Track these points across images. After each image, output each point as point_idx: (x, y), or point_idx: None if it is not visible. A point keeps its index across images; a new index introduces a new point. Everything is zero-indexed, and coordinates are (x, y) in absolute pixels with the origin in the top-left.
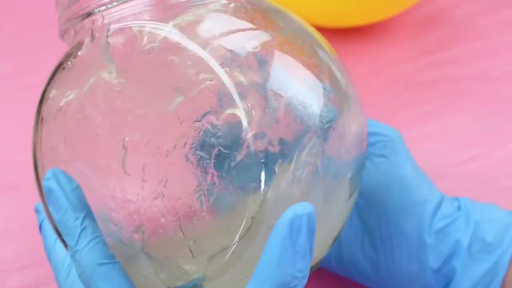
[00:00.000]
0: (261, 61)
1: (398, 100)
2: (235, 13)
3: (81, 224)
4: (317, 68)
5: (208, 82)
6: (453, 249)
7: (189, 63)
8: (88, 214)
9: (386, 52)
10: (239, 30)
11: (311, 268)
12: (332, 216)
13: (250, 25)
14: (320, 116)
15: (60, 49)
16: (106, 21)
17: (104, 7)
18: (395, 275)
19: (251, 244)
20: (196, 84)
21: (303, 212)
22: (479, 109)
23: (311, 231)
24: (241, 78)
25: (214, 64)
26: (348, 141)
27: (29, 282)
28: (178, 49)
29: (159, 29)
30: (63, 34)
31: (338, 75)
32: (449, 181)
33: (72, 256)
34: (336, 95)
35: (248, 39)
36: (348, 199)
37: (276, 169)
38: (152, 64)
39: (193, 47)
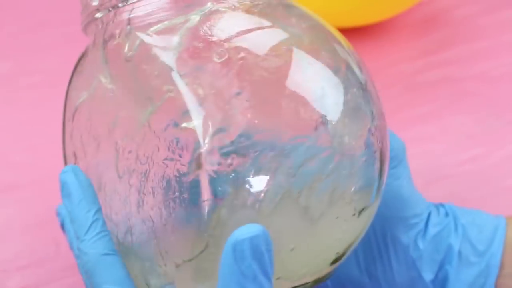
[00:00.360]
0: (226, 73)
1: (398, 100)
2: (219, 18)
3: (93, 216)
4: (299, 77)
5: (169, 94)
6: (446, 254)
7: (156, 73)
8: (100, 209)
9: (386, 52)
10: (210, 39)
11: (311, 284)
12: (324, 234)
13: (232, 31)
14: (292, 129)
15: (60, 50)
16: (104, 26)
17: (99, 14)
18: (394, 284)
19: (214, 260)
20: (161, 94)
21: (245, 236)
22: (479, 110)
23: (258, 254)
24: (201, 91)
25: (175, 75)
26: (342, 150)
27: (29, 282)
28: (149, 58)
29: (137, 37)
30: (85, 30)
31: (356, 70)
32: (449, 181)
33: (78, 247)
34: (327, 102)
35: (217, 49)
36: (356, 216)
37: (229, 187)
38: (130, 72)
39: (160, 56)
